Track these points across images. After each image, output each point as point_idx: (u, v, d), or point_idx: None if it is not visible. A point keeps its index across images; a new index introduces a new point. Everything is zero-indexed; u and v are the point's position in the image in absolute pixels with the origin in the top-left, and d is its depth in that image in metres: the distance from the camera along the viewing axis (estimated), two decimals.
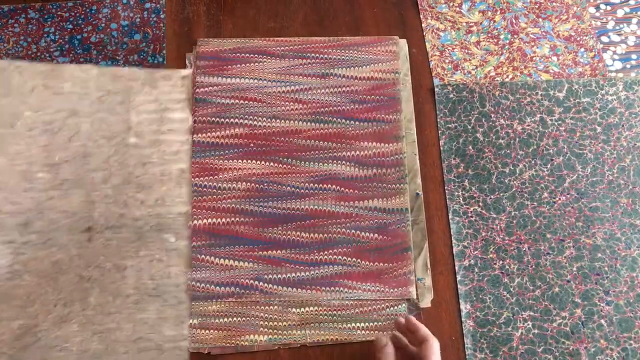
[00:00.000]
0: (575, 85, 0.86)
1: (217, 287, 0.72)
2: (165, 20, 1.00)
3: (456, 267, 0.76)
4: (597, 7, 0.96)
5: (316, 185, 0.75)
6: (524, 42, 0.91)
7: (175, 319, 0.70)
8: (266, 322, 0.72)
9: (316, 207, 0.74)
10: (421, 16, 0.91)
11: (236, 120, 0.77)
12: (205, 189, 0.75)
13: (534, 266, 0.76)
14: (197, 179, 0.75)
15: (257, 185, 0.75)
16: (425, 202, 0.79)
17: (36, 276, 0.82)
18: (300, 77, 0.80)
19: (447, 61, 0.89)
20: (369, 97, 0.79)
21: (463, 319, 0.74)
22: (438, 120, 0.84)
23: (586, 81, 0.86)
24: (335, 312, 0.72)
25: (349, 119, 0.78)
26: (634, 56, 0.93)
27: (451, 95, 0.85)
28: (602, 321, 0.74)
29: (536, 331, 0.73)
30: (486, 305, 0.75)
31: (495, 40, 0.91)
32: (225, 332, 0.71)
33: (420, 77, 0.87)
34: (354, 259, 0.73)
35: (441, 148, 0.83)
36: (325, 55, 0.81)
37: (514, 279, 0.76)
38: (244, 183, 0.75)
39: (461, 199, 0.80)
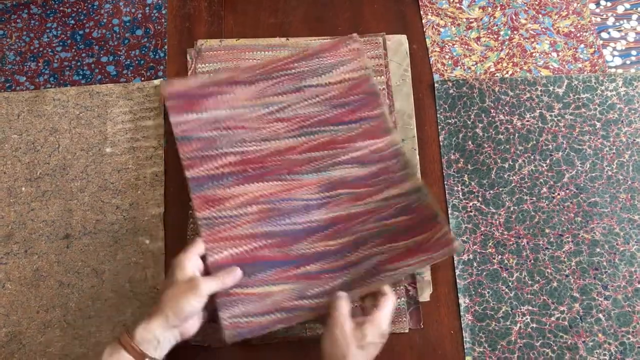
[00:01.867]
0: (575, 81, 0.86)
1: (260, 318, 0.66)
2: (166, 16, 1.00)
3: (455, 262, 0.77)
4: (597, 4, 0.96)
5: (326, 193, 0.73)
6: (523, 38, 0.91)
7: None
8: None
9: (334, 214, 0.72)
10: (421, 12, 0.91)
11: (225, 150, 0.74)
12: (215, 220, 0.69)
13: (532, 261, 0.77)
14: (203, 212, 0.69)
15: (268, 205, 0.71)
16: None
17: (18, 284, 0.83)
18: (275, 97, 0.77)
19: (447, 57, 0.89)
20: (347, 99, 0.78)
21: (462, 313, 0.75)
22: (438, 115, 0.84)
23: (586, 77, 0.87)
24: None
25: (335, 125, 0.76)
26: (633, 52, 0.93)
27: (451, 91, 0.86)
28: (600, 315, 0.74)
29: (534, 325, 0.74)
30: (485, 300, 0.75)
31: (495, 37, 0.91)
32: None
33: (420, 72, 0.87)
34: (389, 245, 0.69)
35: (441, 143, 0.83)
36: (292, 70, 0.79)
37: (513, 273, 0.76)
38: (254, 206, 0.71)
39: (460, 193, 0.80)
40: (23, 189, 0.86)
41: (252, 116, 0.76)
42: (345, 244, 0.70)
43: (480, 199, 0.80)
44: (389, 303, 0.63)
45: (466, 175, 0.81)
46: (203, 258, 0.66)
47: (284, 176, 0.73)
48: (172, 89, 0.76)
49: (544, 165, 0.82)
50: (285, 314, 0.66)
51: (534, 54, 0.90)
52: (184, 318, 0.60)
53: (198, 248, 0.66)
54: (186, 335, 0.62)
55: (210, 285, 0.62)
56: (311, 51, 0.80)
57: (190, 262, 0.63)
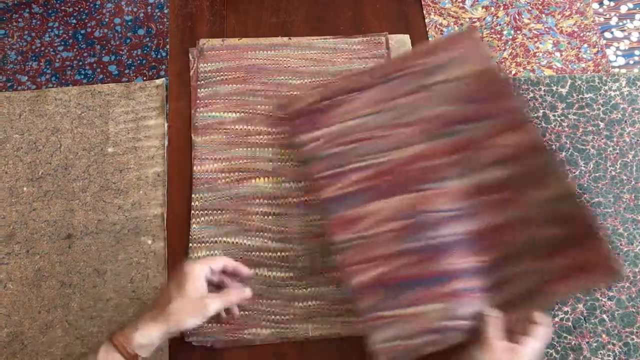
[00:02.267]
0: (578, 81, 0.86)
1: (414, 340, 0.62)
2: (168, 15, 1.00)
3: None
4: (601, 3, 0.96)
5: (468, 201, 0.66)
6: (527, 38, 0.91)
7: None
8: (269, 316, 0.72)
9: (479, 225, 0.65)
10: (424, 11, 0.91)
11: (353, 165, 0.69)
12: (354, 242, 0.66)
13: None
14: (340, 235, 0.66)
15: (407, 220, 0.66)
16: None
17: (20, 284, 0.84)
18: (400, 99, 0.71)
19: None
20: (478, 93, 0.70)
21: None
22: None
23: (589, 77, 0.86)
24: (337, 306, 0.72)
25: (468, 123, 0.69)
26: (637, 52, 0.93)
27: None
28: (604, 316, 0.74)
29: None
30: None
31: (499, 36, 0.91)
32: (228, 326, 0.71)
33: None
34: (543, 263, 0.62)
35: None
36: (413, 69, 0.72)
37: None
38: (393, 222, 0.66)
39: None
40: (25, 188, 0.86)
41: (375, 125, 0.71)
42: (495, 260, 0.64)
43: None
44: (543, 334, 0.59)
45: None
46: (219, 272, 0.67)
47: (420, 186, 0.67)
48: (293, 108, 0.73)
49: None
50: (436, 335, 0.62)
51: (537, 54, 0.89)
52: (184, 330, 0.62)
53: (215, 263, 0.65)
54: (176, 335, 0.64)
55: (217, 305, 0.63)
56: (429, 47, 0.75)
57: (203, 275, 0.63)
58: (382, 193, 0.68)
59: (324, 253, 0.75)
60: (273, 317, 0.72)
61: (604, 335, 0.73)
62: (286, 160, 0.80)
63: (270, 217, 0.77)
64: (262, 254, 0.75)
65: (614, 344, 0.73)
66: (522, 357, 0.57)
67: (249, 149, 0.81)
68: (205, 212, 0.77)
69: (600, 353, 0.72)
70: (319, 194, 0.69)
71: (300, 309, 0.73)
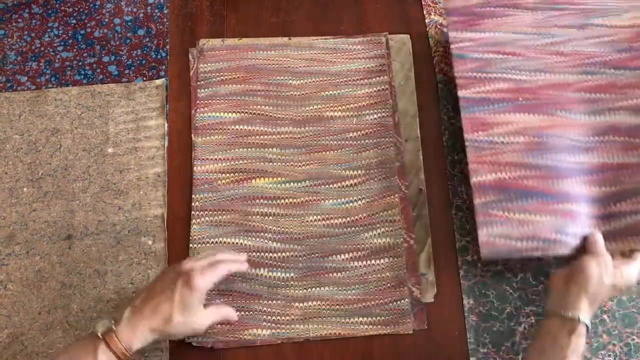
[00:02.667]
0: None
1: (518, 242, 0.68)
2: (168, 15, 1.00)
3: (459, 262, 0.77)
4: None
5: (598, 138, 0.72)
6: None
7: None
8: (269, 317, 0.72)
9: (603, 160, 0.71)
10: (425, 11, 0.91)
11: (498, 74, 0.75)
12: (482, 144, 0.72)
13: (536, 261, 0.76)
14: (472, 134, 0.72)
15: (535, 138, 0.72)
16: (429, 198, 0.79)
17: (20, 285, 0.84)
18: (557, 28, 0.77)
19: (451, 57, 0.89)
20: (634, 44, 0.76)
21: (466, 314, 0.74)
22: (441, 116, 0.84)
23: None
24: (338, 307, 0.72)
25: (618, 69, 0.75)
26: None
27: (454, 91, 0.85)
28: (605, 316, 0.74)
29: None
30: (489, 300, 0.75)
31: None
32: (228, 327, 0.71)
33: (423, 72, 0.87)
34: None
35: (444, 143, 0.83)
36: (579, 6, 0.79)
37: (517, 274, 0.76)
38: (522, 137, 0.72)
39: (464, 194, 0.80)
40: (25, 189, 0.86)
41: (530, 44, 0.77)
42: (610, 193, 0.70)
43: None
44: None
45: None
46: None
47: (555, 111, 0.73)
48: (454, 4, 0.78)
49: None
50: (542, 243, 0.68)
51: None
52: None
53: (219, 276, 0.65)
54: None
55: (213, 321, 0.65)
56: None
57: (207, 291, 0.64)
58: (518, 107, 0.73)
59: (324, 254, 0.75)
60: (273, 317, 0.72)
61: (604, 336, 0.73)
62: (286, 160, 0.80)
63: (270, 218, 0.77)
64: (262, 254, 0.75)
65: (614, 344, 0.73)
66: (633, 269, 0.65)
67: (249, 149, 0.80)
68: (206, 212, 0.77)
69: (601, 353, 0.72)
70: (459, 91, 0.74)
71: (300, 310, 0.72)
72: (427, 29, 0.90)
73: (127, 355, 0.59)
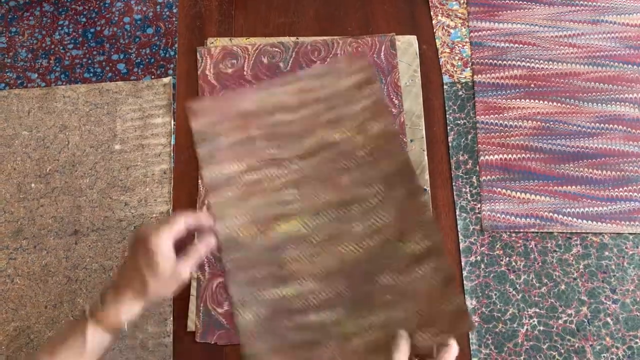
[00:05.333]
0: None
1: (517, 219, 0.76)
2: (177, 14, 1.01)
3: (462, 263, 0.77)
4: None
5: (602, 125, 0.79)
6: None
7: (159, 317, 0.71)
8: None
9: (605, 146, 0.78)
10: (432, 13, 0.91)
11: (513, 62, 0.82)
12: (492, 127, 0.79)
13: (540, 263, 0.76)
14: (483, 116, 0.80)
15: (543, 123, 0.79)
16: (433, 198, 0.79)
17: (27, 279, 0.84)
18: (571, 22, 0.84)
19: (457, 58, 0.89)
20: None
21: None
22: (447, 116, 0.84)
23: None
24: (397, 328, 0.65)
25: (626, 63, 0.82)
26: None
27: (460, 93, 0.85)
28: (608, 319, 0.74)
29: (542, 328, 0.74)
30: (492, 302, 0.75)
31: None
32: None
33: (429, 73, 0.87)
34: None
35: (449, 144, 0.83)
36: (593, 3, 0.86)
37: (520, 275, 0.76)
38: (530, 121, 0.79)
39: (469, 195, 0.80)
40: (33, 185, 0.87)
41: (544, 36, 0.84)
42: (609, 178, 0.77)
43: None
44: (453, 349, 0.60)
45: (475, 177, 0.81)
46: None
47: (564, 99, 0.81)
48: None
49: None
50: (540, 221, 0.75)
51: None
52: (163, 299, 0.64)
53: (175, 229, 0.63)
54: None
55: (190, 269, 0.62)
56: None
57: (170, 246, 0.61)
58: (530, 94, 0.80)
59: (366, 280, 0.69)
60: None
61: (607, 339, 0.73)
62: (304, 198, 0.74)
63: (304, 260, 0.71)
64: (306, 299, 0.69)
65: (617, 347, 0.73)
66: None
67: (264, 197, 0.74)
68: (240, 273, 0.70)
69: (604, 356, 0.72)
70: (475, 76, 0.82)
71: (361, 345, 0.66)
72: (434, 30, 0.90)
73: (117, 329, 0.59)
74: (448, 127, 0.84)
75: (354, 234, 0.72)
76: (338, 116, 0.79)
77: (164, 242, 0.61)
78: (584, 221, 0.76)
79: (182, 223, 0.63)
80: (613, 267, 0.76)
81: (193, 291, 0.74)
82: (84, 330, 0.59)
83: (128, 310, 0.60)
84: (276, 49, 0.87)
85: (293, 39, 0.88)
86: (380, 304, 0.68)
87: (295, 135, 0.79)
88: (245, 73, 0.86)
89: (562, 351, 0.73)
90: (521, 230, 0.76)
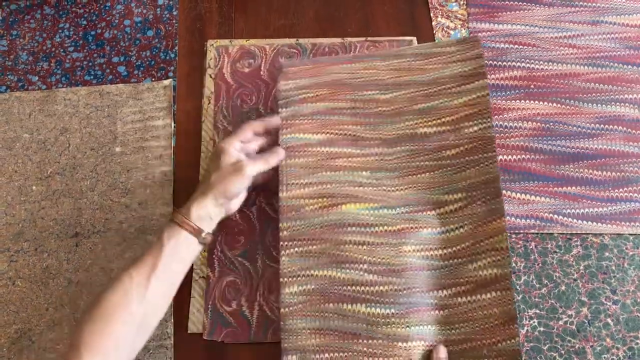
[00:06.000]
0: None
1: (517, 220, 0.76)
2: (177, 17, 1.01)
3: None
4: None
5: (602, 126, 0.79)
6: None
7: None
8: (370, 358, 0.64)
9: (605, 146, 0.78)
10: (431, 14, 0.91)
11: (513, 63, 0.82)
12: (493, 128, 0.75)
13: (540, 264, 0.76)
14: None
15: (542, 124, 0.79)
16: None
17: (28, 281, 0.85)
18: (571, 23, 0.85)
19: None
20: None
21: None
22: None
23: None
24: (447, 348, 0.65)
25: (626, 64, 0.82)
26: None
27: None
28: (609, 320, 0.74)
29: (542, 329, 0.74)
30: None
31: None
32: None
33: None
34: None
35: None
36: (593, 4, 0.86)
37: (521, 276, 0.76)
38: (530, 122, 0.79)
39: None
40: (34, 187, 0.87)
41: (544, 36, 0.84)
42: (609, 179, 0.77)
43: None
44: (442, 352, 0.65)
45: None
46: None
47: (564, 100, 0.81)
48: None
49: None
50: (540, 222, 0.76)
51: None
52: (230, 197, 0.66)
53: (242, 135, 0.69)
54: (229, 212, 0.69)
55: (255, 167, 0.67)
56: None
57: (233, 147, 0.67)
58: (530, 95, 0.80)
59: (424, 288, 0.67)
60: (373, 359, 0.64)
61: (608, 339, 0.73)
62: (378, 185, 0.71)
63: (364, 247, 0.68)
64: (358, 288, 0.67)
65: (618, 348, 0.73)
66: None
67: (337, 172, 0.72)
68: (295, 242, 0.70)
69: (604, 357, 0.72)
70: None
71: (404, 350, 0.64)
72: (434, 31, 0.90)
73: (186, 221, 0.64)
74: None
75: (421, 237, 0.68)
76: (435, 106, 0.73)
77: (226, 144, 0.67)
78: (584, 222, 0.76)
79: (248, 130, 0.70)
80: (613, 268, 0.76)
81: (194, 293, 0.74)
82: (161, 233, 0.64)
83: (199, 206, 0.65)
84: (294, 50, 0.88)
85: (293, 40, 0.88)
86: (431, 319, 0.66)
87: (384, 116, 0.74)
88: (262, 73, 0.86)
89: (563, 352, 0.73)
90: (521, 232, 0.76)
